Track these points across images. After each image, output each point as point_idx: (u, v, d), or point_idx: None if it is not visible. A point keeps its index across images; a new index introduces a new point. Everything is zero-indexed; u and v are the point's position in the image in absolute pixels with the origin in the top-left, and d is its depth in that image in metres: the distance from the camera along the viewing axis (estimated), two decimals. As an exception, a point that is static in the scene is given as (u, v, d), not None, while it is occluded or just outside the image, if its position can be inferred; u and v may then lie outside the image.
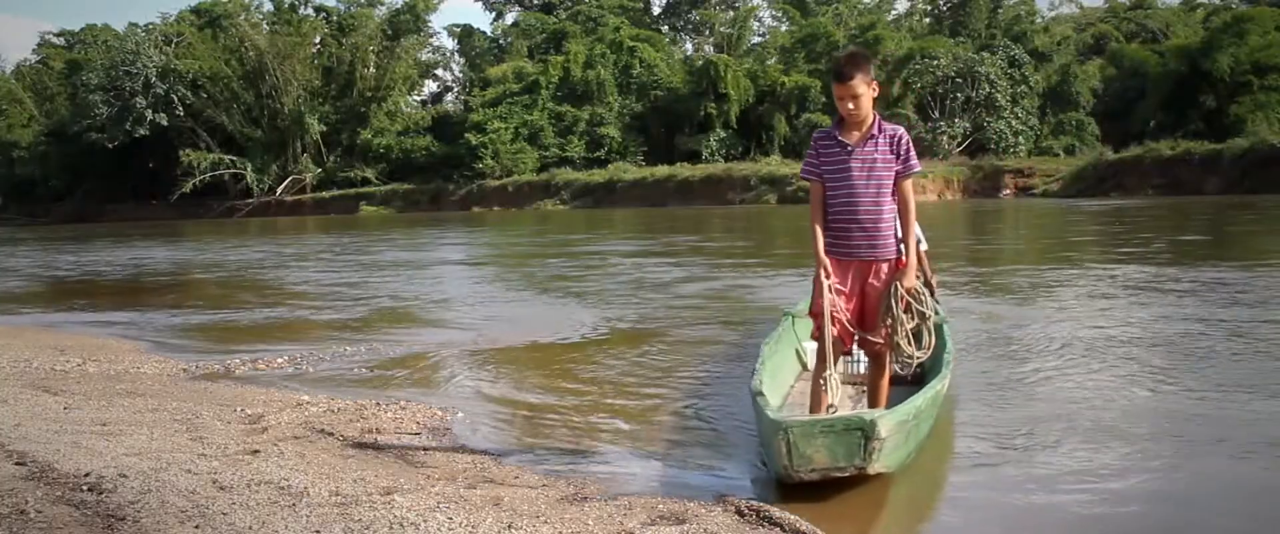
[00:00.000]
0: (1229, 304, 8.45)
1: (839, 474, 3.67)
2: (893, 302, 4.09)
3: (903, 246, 4.16)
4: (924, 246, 7.19)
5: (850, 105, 4.08)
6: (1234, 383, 5.55)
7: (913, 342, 4.16)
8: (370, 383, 6.40)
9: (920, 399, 4.09)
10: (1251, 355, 6.31)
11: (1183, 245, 15.47)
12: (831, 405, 4.03)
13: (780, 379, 5.16)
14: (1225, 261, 12.16)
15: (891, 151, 4.11)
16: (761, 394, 4.18)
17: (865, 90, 4.06)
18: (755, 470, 4.20)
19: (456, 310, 10.37)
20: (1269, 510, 3.69)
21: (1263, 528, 3.57)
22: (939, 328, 5.59)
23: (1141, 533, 3.55)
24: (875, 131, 4.12)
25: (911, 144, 4.12)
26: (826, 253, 4.17)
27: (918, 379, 5.17)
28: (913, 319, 4.13)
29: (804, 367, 5.65)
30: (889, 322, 4.11)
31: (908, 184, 4.15)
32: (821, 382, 4.07)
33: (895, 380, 5.26)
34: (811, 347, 5.71)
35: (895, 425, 3.77)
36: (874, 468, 3.69)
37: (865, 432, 3.63)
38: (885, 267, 4.16)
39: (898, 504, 3.95)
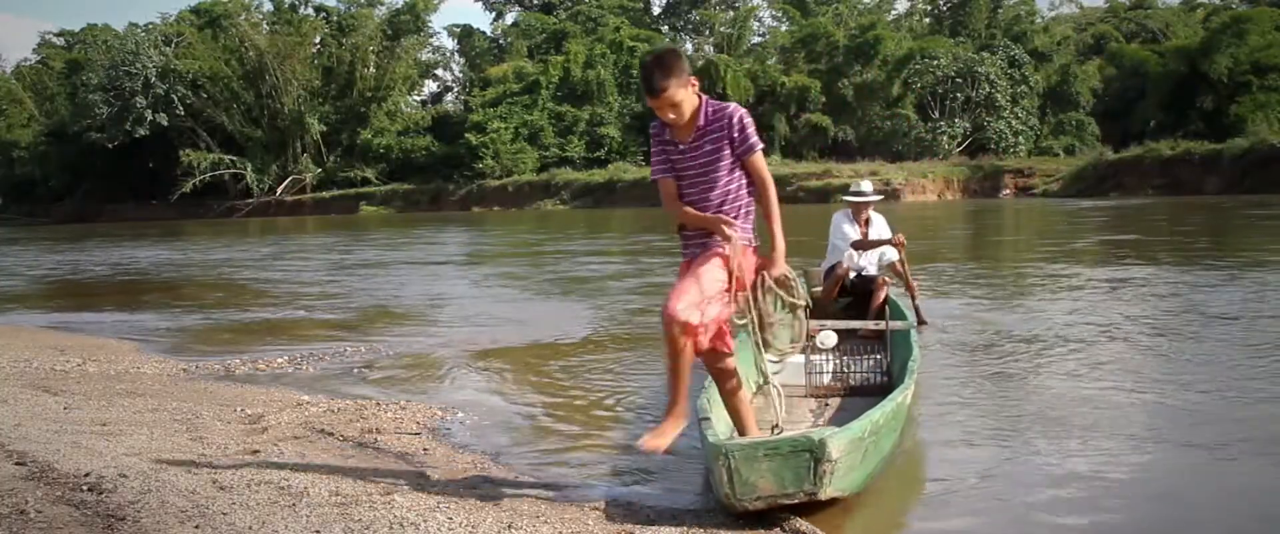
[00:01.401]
0: (1224, 302, 8.45)
1: (787, 502, 3.35)
2: (761, 294, 3.75)
3: (768, 235, 3.75)
4: (901, 239, 7.17)
5: (671, 115, 3.68)
6: (1232, 381, 5.56)
7: (784, 337, 3.81)
8: (370, 383, 6.40)
9: (878, 413, 3.76)
10: (1250, 353, 6.31)
11: (1180, 245, 15.47)
12: (777, 426, 3.71)
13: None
14: (1222, 260, 12.16)
15: (723, 137, 3.68)
16: (707, 417, 3.85)
17: (684, 95, 3.64)
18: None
19: (456, 310, 10.37)
20: (1269, 510, 3.69)
21: (1264, 528, 3.57)
22: (905, 334, 5.48)
23: (1143, 531, 3.55)
24: (701, 122, 3.70)
25: (747, 119, 3.69)
26: (684, 254, 3.81)
27: (884, 388, 4.98)
28: (783, 311, 3.78)
29: (764, 379, 5.48)
30: (755, 315, 3.76)
31: (757, 160, 3.71)
32: (744, 396, 3.75)
33: (863, 390, 5.17)
34: (774, 357, 5.62)
35: (849, 444, 3.43)
36: (827, 493, 3.36)
37: (814, 453, 3.30)
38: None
39: (897, 505, 3.94)
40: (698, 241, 3.79)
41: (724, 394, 3.92)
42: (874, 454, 3.74)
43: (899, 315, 6.09)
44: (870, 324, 5.96)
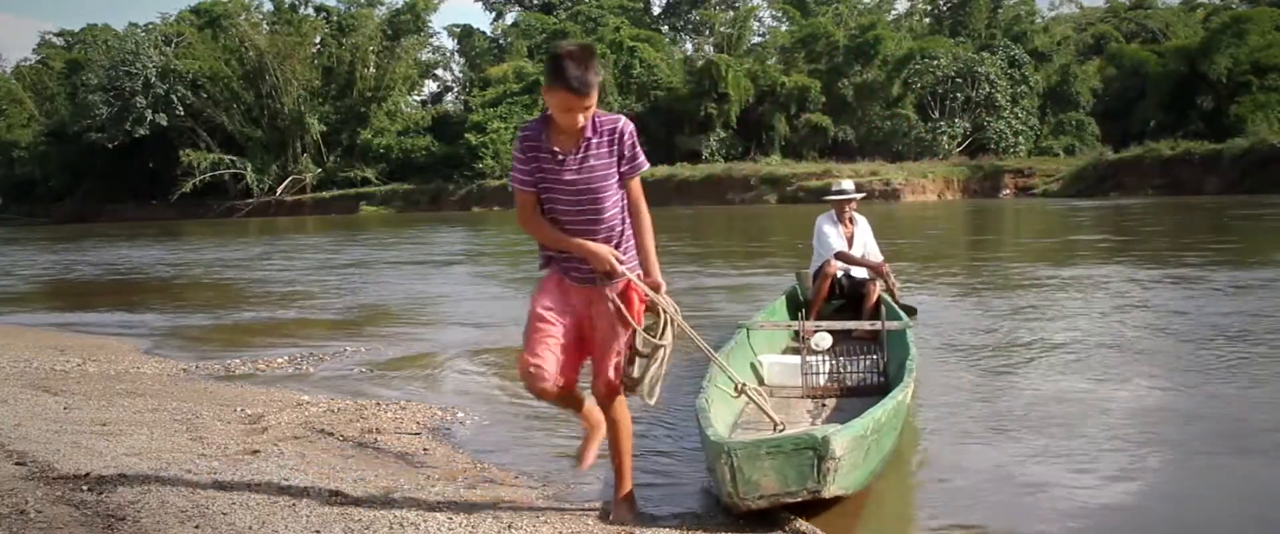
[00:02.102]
0: (1221, 301, 8.45)
1: (790, 500, 3.32)
2: (665, 323, 3.41)
3: (647, 263, 3.43)
4: (886, 268, 7.09)
5: (579, 118, 3.25)
6: (1230, 381, 5.56)
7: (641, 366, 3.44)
8: (370, 383, 6.40)
9: (880, 410, 3.74)
10: (1247, 353, 6.31)
11: (1180, 245, 15.47)
12: (779, 425, 3.66)
13: (732, 395, 4.64)
14: (1222, 261, 12.16)
15: (610, 152, 3.33)
16: (705, 412, 3.81)
17: (595, 97, 3.25)
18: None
19: (456, 310, 10.37)
20: (1268, 512, 3.69)
21: (1263, 529, 3.57)
22: (901, 335, 5.48)
23: (1142, 531, 3.55)
24: (589, 132, 3.30)
25: (636, 137, 3.37)
26: (570, 276, 3.41)
27: (881, 388, 4.97)
28: (647, 349, 3.42)
29: (760, 381, 5.39)
30: (630, 352, 3.43)
31: (636, 184, 3.41)
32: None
33: (860, 390, 5.14)
34: (768, 360, 5.51)
35: (852, 442, 3.42)
36: (830, 491, 3.33)
37: (818, 451, 3.28)
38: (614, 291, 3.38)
39: (898, 505, 3.94)
40: (576, 267, 3.40)
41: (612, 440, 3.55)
42: (876, 452, 3.73)
43: (894, 316, 6.05)
44: (865, 325, 5.98)
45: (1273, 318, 7.63)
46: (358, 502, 3.59)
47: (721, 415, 4.13)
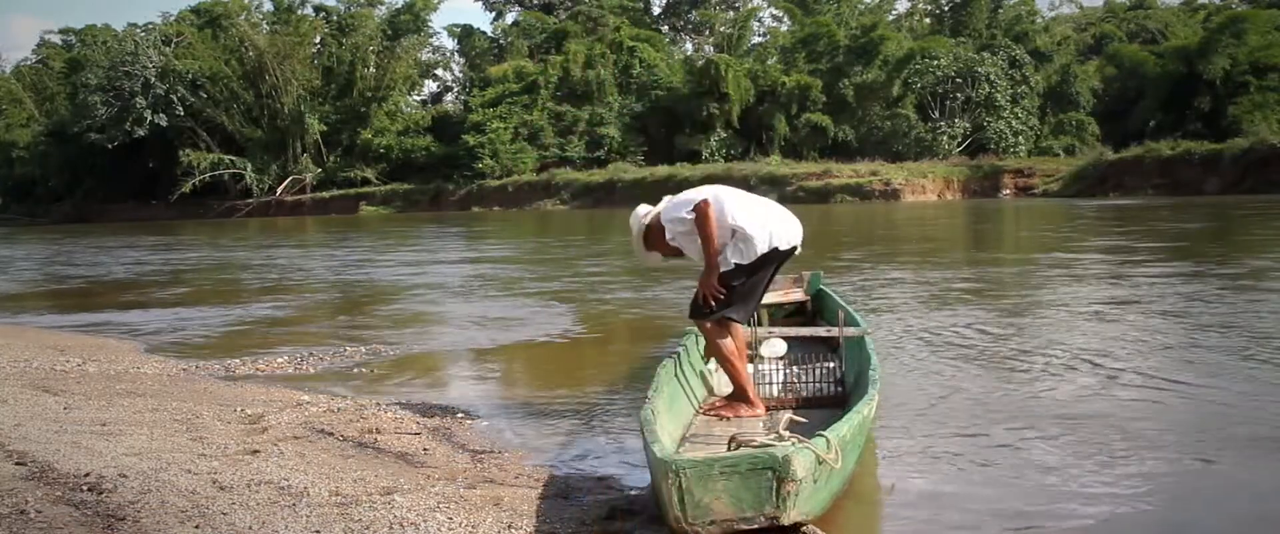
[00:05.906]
0: (1222, 302, 8.45)
1: (745, 527, 3.03)
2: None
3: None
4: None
5: None
6: (1220, 382, 5.55)
7: None
8: (370, 383, 6.40)
9: (845, 426, 3.46)
10: (1237, 352, 6.31)
11: (1179, 245, 15.47)
12: (734, 440, 3.39)
13: (679, 407, 4.39)
14: (1221, 260, 12.16)
15: None
16: (651, 425, 3.50)
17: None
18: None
19: (455, 311, 10.37)
20: (1258, 510, 3.69)
21: (1262, 530, 3.56)
22: (860, 342, 5.06)
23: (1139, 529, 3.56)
24: None
25: None
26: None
27: (838, 399, 4.67)
28: None
29: (710, 391, 4.97)
30: None
31: None
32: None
33: (816, 401, 4.78)
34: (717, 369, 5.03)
35: (816, 461, 3.14)
36: (790, 517, 3.04)
37: (778, 471, 2.99)
38: None
39: (897, 506, 3.94)
40: None
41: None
42: (839, 473, 3.43)
43: (852, 322, 5.62)
44: (821, 331, 5.65)
45: (1269, 317, 7.63)
46: (358, 502, 3.59)
47: (668, 429, 3.85)
